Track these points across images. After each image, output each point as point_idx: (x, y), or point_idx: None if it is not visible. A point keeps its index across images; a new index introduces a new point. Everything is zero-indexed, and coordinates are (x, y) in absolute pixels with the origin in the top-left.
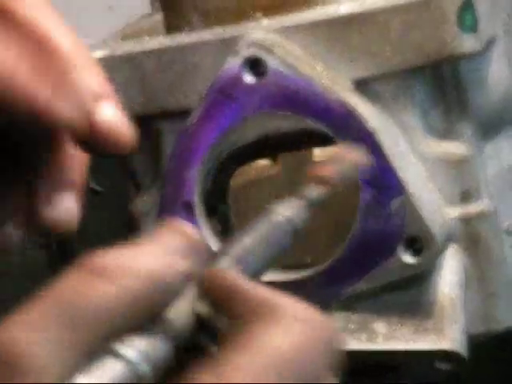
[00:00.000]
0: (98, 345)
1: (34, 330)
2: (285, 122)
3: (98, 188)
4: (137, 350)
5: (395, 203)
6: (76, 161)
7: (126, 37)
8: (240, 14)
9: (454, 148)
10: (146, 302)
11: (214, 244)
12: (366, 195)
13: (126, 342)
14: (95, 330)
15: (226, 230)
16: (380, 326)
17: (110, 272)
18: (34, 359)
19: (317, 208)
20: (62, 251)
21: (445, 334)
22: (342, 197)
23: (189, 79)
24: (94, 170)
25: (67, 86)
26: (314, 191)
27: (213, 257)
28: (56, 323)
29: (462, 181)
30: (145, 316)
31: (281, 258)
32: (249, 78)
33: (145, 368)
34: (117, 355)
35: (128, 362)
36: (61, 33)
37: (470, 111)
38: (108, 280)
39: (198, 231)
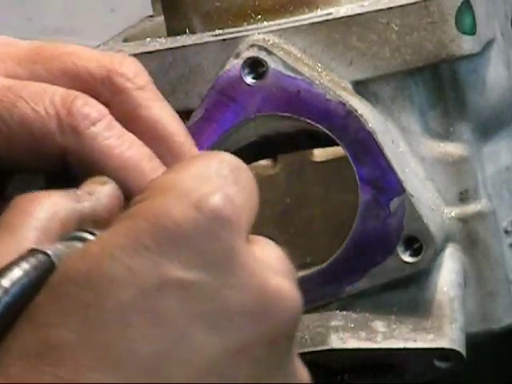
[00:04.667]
0: None
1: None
2: (285, 123)
3: None
4: None
5: (394, 203)
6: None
7: (127, 39)
8: (241, 16)
9: (453, 149)
10: None
11: None
12: (365, 195)
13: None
14: None
15: None
16: (379, 325)
17: None
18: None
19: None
20: None
21: (444, 333)
22: (341, 197)
23: (190, 80)
24: None
25: None
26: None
27: None
28: None
29: (460, 181)
30: None
31: None
32: (249, 80)
33: None
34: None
35: None
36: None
37: (468, 112)
38: None
39: None
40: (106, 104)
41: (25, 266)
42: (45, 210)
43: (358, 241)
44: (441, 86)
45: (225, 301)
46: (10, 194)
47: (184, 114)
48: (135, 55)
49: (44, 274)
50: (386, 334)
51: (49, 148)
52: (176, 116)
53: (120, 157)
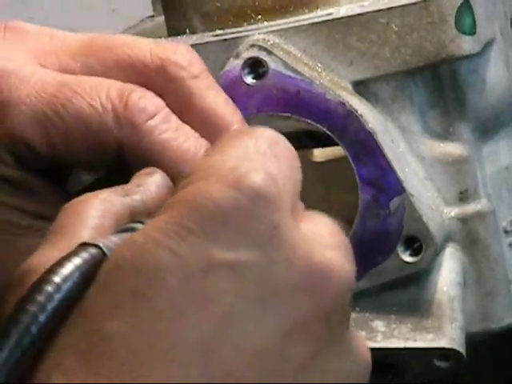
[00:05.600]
0: None
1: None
2: (285, 123)
3: None
4: None
5: (394, 203)
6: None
7: None
8: (241, 17)
9: (453, 148)
10: None
11: None
12: (365, 195)
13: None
14: None
15: None
16: (379, 325)
17: None
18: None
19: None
20: None
21: (443, 333)
22: (341, 197)
23: None
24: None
25: None
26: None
27: None
28: None
29: (460, 181)
30: None
31: None
32: (249, 80)
33: None
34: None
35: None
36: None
37: (468, 112)
38: None
39: None
40: (161, 93)
41: (76, 260)
42: (96, 208)
43: (358, 241)
44: (441, 86)
45: (273, 279)
46: (71, 188)
47: None
48: None
49: (96, 267)
50: (385, 334)
51: (106, 142)
52: (231, 104)
53: (177, 150)
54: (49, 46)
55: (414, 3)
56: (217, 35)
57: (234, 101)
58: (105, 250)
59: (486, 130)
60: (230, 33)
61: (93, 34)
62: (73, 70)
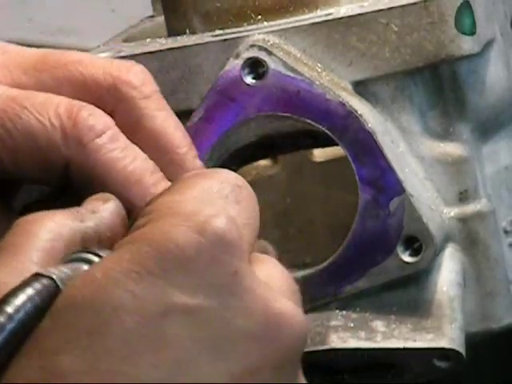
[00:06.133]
0: None
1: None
2: (285, 123)
3: None
4: None
5: (394, 203)
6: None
7: (128, 39)
8: (241, 17)
9: (452, 149)
10: None
11: None
12: (365, 195)
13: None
14: None
15: None
16: (379, 325)
17: None
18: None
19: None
20: None
21: (443, 333)
22: (341, 197)
23: (190, 81)
24: None
25: None
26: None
27: None
28: None
29: (460, 181)
30: None
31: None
32: (249, 80)
33: None
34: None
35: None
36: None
37: (467, 112)
38: None
39: None
40: (112, 112)
41: (29, 291)
42: (48, 230)
43: (357, 241)
44: (440, 86)
45: (230, 326)
46: (17, 204)
47: (184, 114)
48: (135, 55)
49: (49, 299)
50: (385, 334)
51: (53, 159)
52: (180, 127)
53: (123, 170)
54: (1, 60)
55: (414, 3)
56: (217, 35)
57: (233, 101)
58: (58, 282)
59: (486, 130)
60: (229, 33)
61: (48, 50)
62: (24, 85)
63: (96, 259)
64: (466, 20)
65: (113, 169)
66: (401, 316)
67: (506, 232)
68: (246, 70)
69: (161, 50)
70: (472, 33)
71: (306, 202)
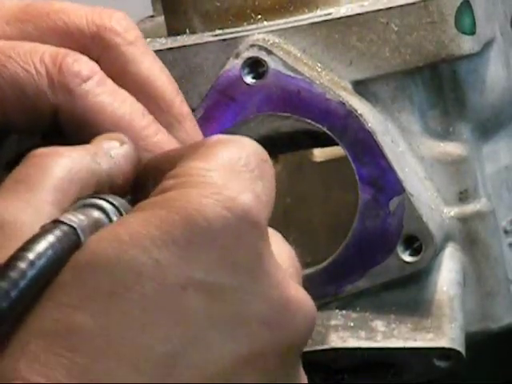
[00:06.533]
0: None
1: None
2: (285, 123)
3: None
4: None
5: (394, 203)
6: None
7: None
8: (241, 16)
9: (452, 148)
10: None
11: None
12: (365, 195)
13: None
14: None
15: None
16: (379, 324)
17: None
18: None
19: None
20: None
21: (443, 332)
22: (341, 197)
23: (190, 80)
24: None
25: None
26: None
27: None
28: None
29: (460, 181)
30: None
31: None
32: (249, 79)
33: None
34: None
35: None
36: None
37: (467, 112)
38: None
39: None
40: (97, 60)
41: (50, 238)
42: (64, 169)
43: (357, 240)
44: (440, 86)
45: (246, 308)
46: (5, 154)
47: None
48: None
49: (70, 248)
50: (385, 334)
51: (41, 107)
52: (166, 72)
53: (112, 114)
54: None
55: (414, 3)
56: (216, 35)
57: (233, 100)
58: (79, 231)
59: (486, 129)
60: (229, 33)
61: (31, 1)
62: (8, 36)
63: (109, 207)
64: (465, 20)
65: (102, 113)
66: (401, 316)
67: (505, 232)
68: (246, 70)
69: (161, 50)
70: (472, 32)
71: (306, 202)
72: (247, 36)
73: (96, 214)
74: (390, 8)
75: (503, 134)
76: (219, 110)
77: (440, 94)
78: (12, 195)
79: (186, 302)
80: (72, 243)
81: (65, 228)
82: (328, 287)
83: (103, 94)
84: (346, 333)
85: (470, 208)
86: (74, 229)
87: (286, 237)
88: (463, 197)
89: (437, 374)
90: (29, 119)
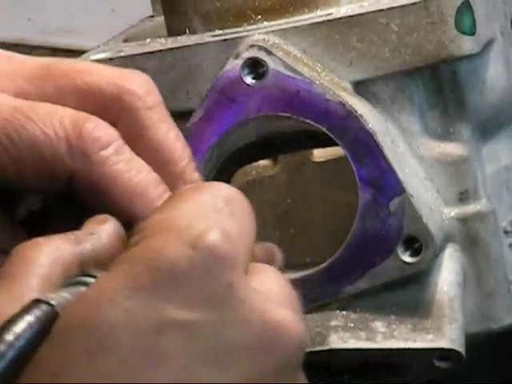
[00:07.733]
0: None
1: None
2: (285, 123)
3: None
4: None
5: (394, 203)
6: None
7: (128, 39)
8: (241, 17)
9: (452, 149)
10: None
11: None
12: (365, 195)
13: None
14: None
15: None
16: (379, 325)
17: None
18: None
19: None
20: None
21: (443, 333)
22: (341, 197)
23: (190, 80)
24: None
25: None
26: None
27: None
28: None
29: (460, 181)
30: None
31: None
32: (249, 80)
33: None
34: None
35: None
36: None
37: (467, 112)
38: None
39: None
40: (115, 122)
41: (29, 318)
42: (46, 256)
43: (357, 241)
44: (440, 87)
45: (226, 338)
46: (20, 214)
47: (184, 115)
48: (135, 55)
49: (49, 325)
50: (385, 334)
51: (58, 170)
52: (181, 139)
53: (127, 183)
54: (5, 69)
55: (414, 3)
56: (216, 35)
57: (233, 101)
58: (57, 307)
59: (486, 130)
60: (229, 33)
61: (51, 59)
62: (28, 94)
63: (93, 281)
64: (466, 20)
65: (117, 181)
66: (401, 316)
67: (506, 232)
68: (246, 70)
69: (161, 50)
70: (472, 33)
71: (306, 202)
72: (247, 36)
73: (82, 289)
74: (390, 8)
75: (503, 135)
76: (219, 110)
77: (440, 95)
78: (0, 294)
79: (163, 345)
80: (51, 319)
81: (43, 306)
82: (328, 288)
83: (120, 162)
84: (346, 333)
85: (470, 208)
86: (52, 305)
87: (286, 237)
88: (463, 197)
89: (437, 375)
90: (45, 181)
